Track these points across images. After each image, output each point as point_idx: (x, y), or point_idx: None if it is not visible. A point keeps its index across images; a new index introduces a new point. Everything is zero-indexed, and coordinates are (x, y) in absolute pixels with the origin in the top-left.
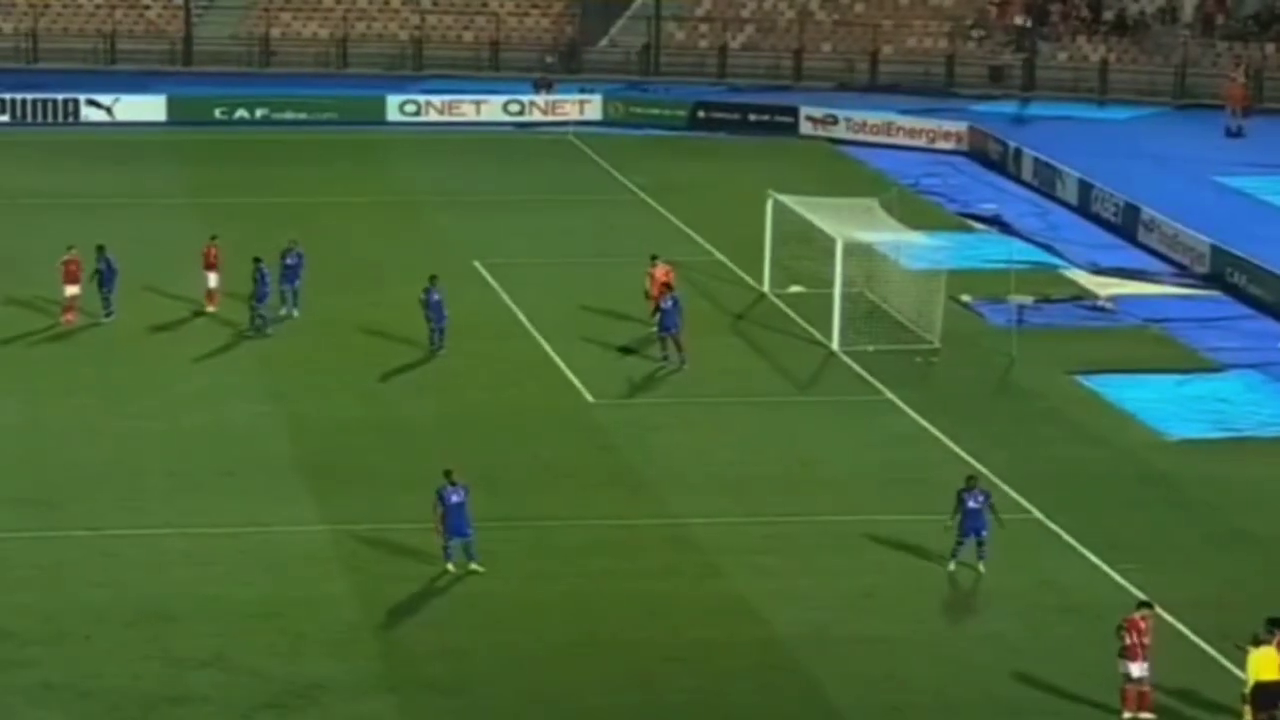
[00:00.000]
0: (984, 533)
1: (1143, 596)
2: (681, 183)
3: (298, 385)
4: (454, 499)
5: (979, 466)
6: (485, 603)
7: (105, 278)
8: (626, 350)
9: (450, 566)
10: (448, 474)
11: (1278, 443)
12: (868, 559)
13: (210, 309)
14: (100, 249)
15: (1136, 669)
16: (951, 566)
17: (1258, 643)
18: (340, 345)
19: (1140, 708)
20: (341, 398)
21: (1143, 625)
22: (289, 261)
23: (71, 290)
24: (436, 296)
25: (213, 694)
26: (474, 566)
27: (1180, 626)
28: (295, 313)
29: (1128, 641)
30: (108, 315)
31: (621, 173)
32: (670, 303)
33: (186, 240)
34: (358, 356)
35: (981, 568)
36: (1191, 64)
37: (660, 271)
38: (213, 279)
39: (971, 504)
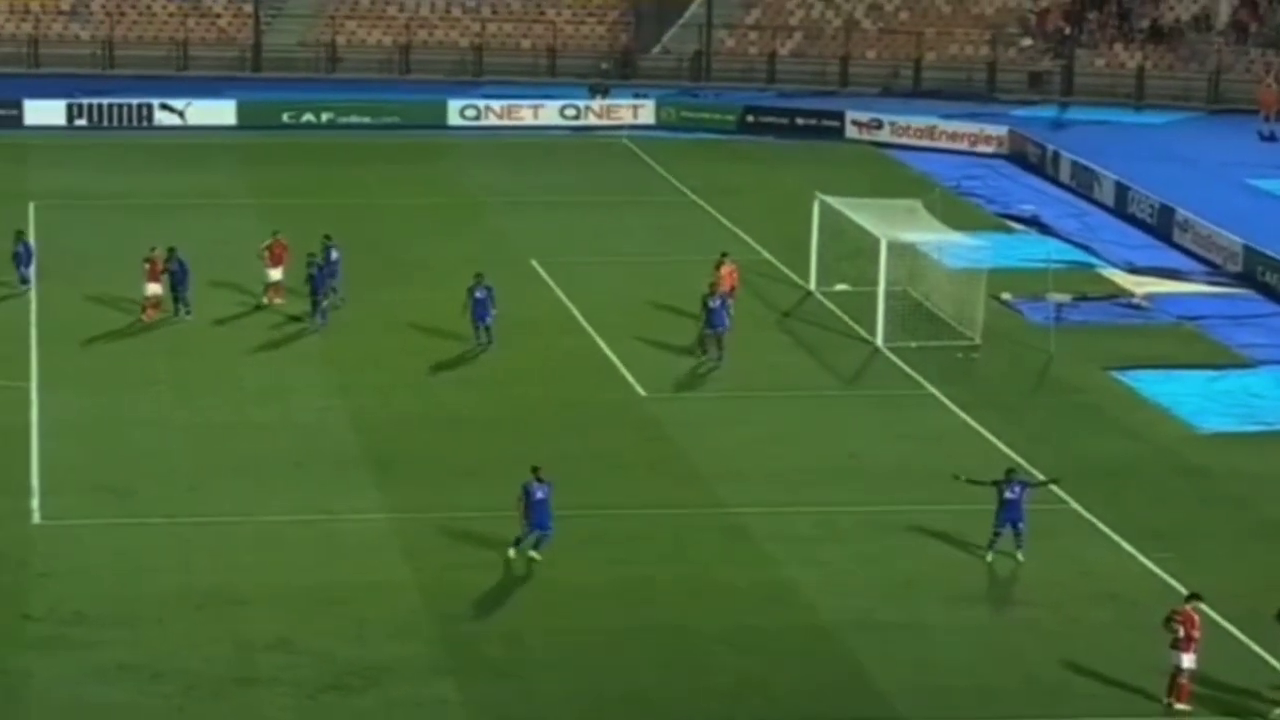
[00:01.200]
0: (1021, 524)
1: (1177, 584)
2: (731, 184)
3: (361, 380)
4: (538, 495)
5: (1018, 459)
6: (542, 588)
7: (177, 278)
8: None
9: (512, 553)
10: (535, 470)
11: None
12: (911, 547)
13: (278, 301)
14: (171, 250)
15: (1188, 660)
16: (990, 557)
17: None
18: (402, 341)
19: (1179, 698)
20: (404, 392)
21: (1195, 618)
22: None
23: (154, 288)
24: (480, 295)
25: (279, 675)
26: (532, 554)
27: (1213, 614)
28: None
29: (1180, 634)
30: (184, 314)
31: (673, 175)
32: (718, 302)
33: (254, 239)
34: (419, 352)
35: (1020, 556)
36: (1225, 70)
37: (726, 270)
38: (275, 274)
39: (1009, 495)
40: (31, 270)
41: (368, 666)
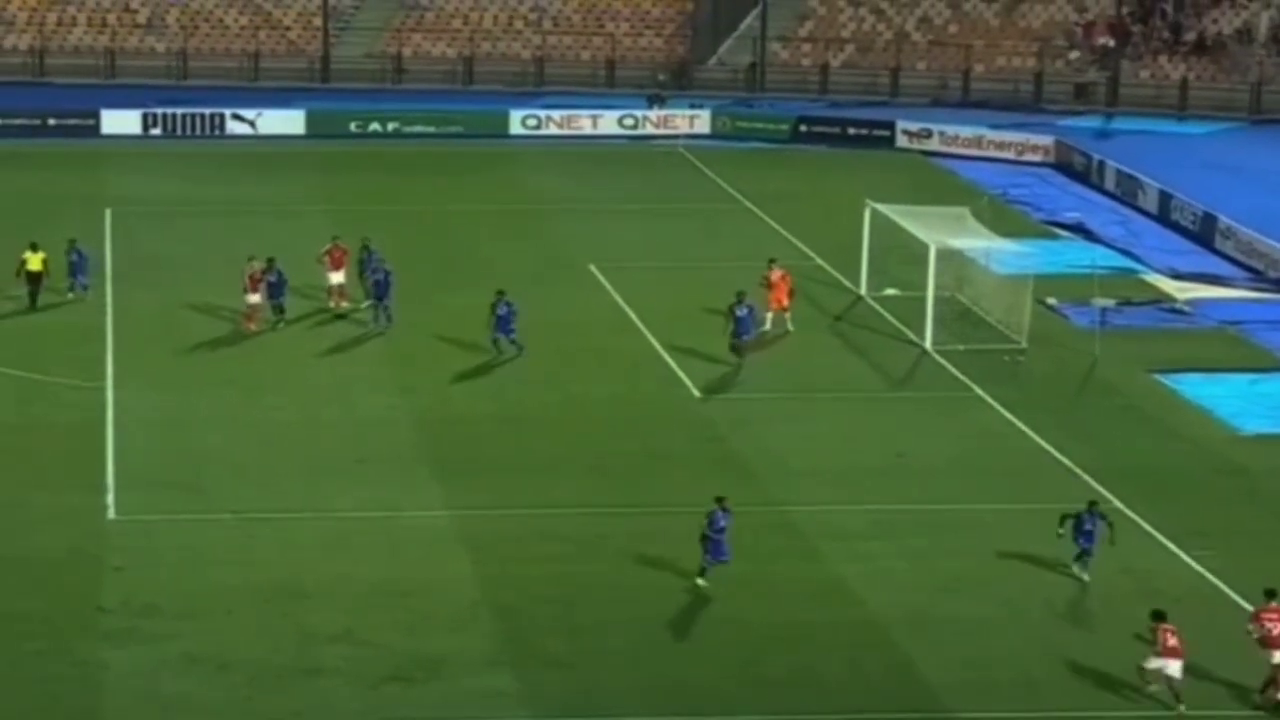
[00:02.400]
0: (1091, 547)
1: (1218, 582)
2: (784, 192)
3: (424, 379)
4: (721, 523)
5: (1063, 459)
6: (598, 583)
7: (275, 289)
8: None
9: (701, 582)
10: (720, 501)
11: None
12: (958, 545)
13: (343, 304)
14: (270, 261)
15: (1278, 656)
16: (1086, 577)
17: None
18: (464, 342)
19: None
20: (465, 391)
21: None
22: (500, 313)
23: (254, 299)
24: (502, 311)
25: (343, 666)
26: (701, 582)
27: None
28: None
29: (1274, 632)
30: (279, 324)
31: (728, 183)
32: (745, 310)
33: (323, 245)
34: (480, 353)
35: (1085, 576)
36: (1267, 82)
37: (776, 275)
38: (337, 277)
39: (1088, 526)
40: (87, 278)
41: (428, 658)
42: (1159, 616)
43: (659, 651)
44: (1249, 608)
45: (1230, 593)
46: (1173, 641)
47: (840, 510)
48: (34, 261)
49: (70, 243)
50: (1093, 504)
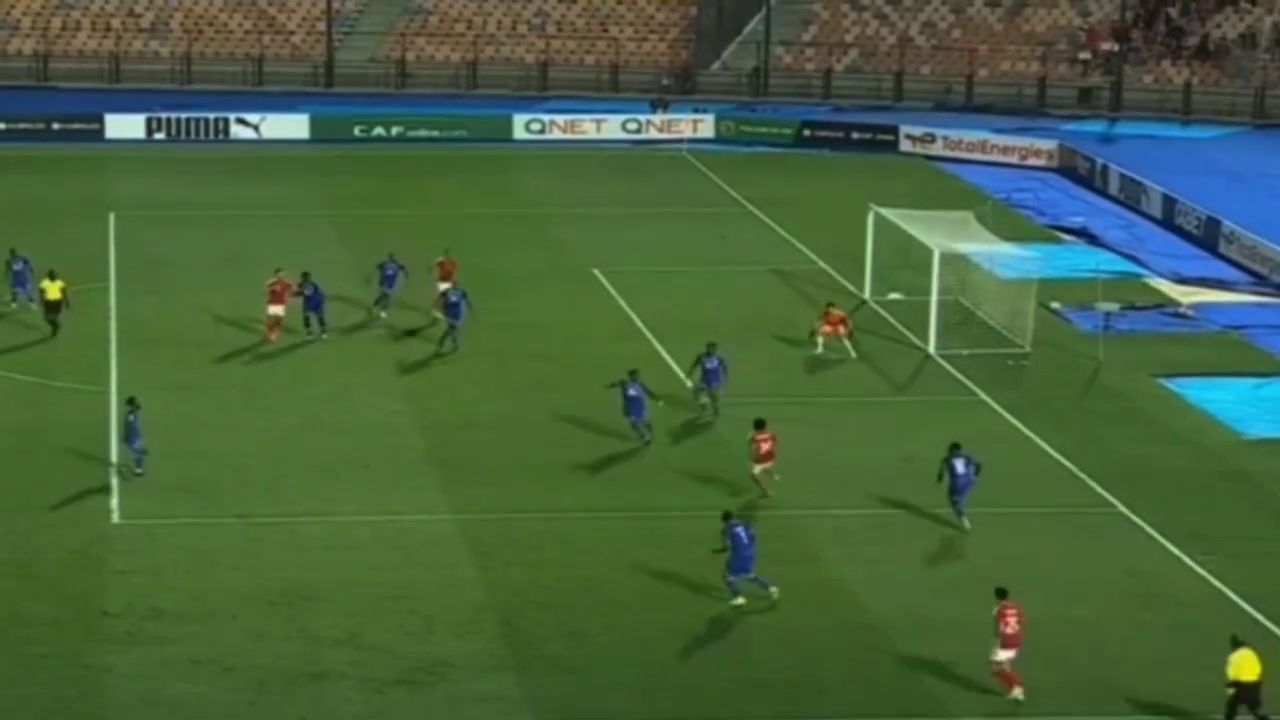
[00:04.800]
0: (965, 494)
1: (1221, 586)
2: (788, 197)
3: (428, 384)
4: (744, 538)
5: (1066, 463)
6: (602, 587)
7: (312, 303)
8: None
9: (740, 600)
10: (727, 516)
11: None
12: (960, 548)
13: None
14: (306, 275)
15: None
16: (966, 524)
17: (1236, 645)
18: (469, 347)
19: None
20: (469, 395)
21: None
22: (388, 272)
23: (275, 310)
24: (454, 299)
25: (348, 671)
26: (767, 592)
27: (1256, 614)
28: (384, 315)
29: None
30: (320, 335)
31: (732, 187)
32: (715, 363)
33: (326, 249)
34: (484, 357)
35: (966, 524)
36: (1270, 87)
37: (835, 316)
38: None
39: (960, 468)
40: (30, 289)
41: (434, 662)
42: (1001, 594)
43: (661, 655)
44: (1253, 612)
45: (1234, 596)
46: (1013, 627)
47: (842, 514)
48: (52, 290)
49: (11, 252)
50: (955, 445)
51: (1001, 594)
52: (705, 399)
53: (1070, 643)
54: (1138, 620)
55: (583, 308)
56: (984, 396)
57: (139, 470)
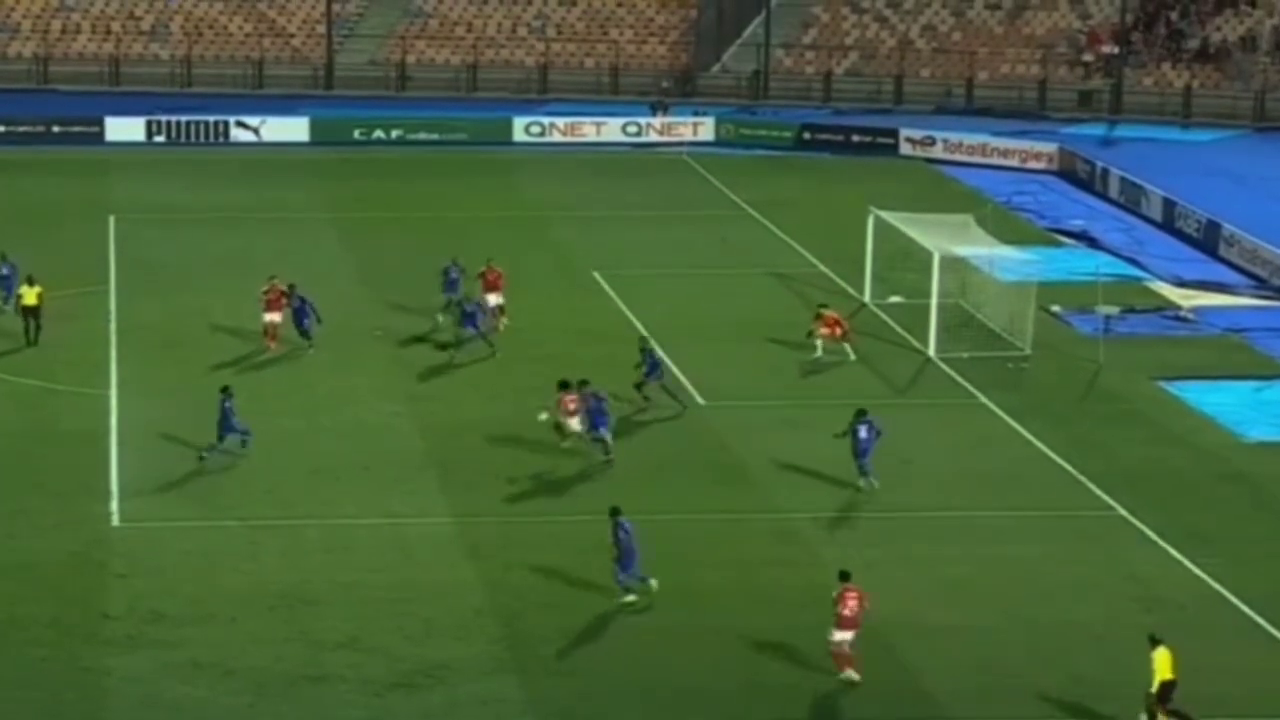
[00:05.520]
0: (868, 456)
1: (1221, 589)
2: (788, 200)
3: (428, 387)
4: (629, 534)
5: (1066, 466)
6: (602, 590)
7: (299, 314)
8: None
9: (631, 598)
10: (614, 513)
11: None
12: (961, 551)
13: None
14: (291, 287)
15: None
16: (863, 484)
17: (1156, 643)
18: (469, 350)
19: None
20: (469, 398)
21: None
22: (453, 276)
23: (270, 317)
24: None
25: (348, 673)
26: (647, 586)
27: (1257, 618)
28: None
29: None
30: (306, 348)
31: (732, 190)
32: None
33: (326, 251)
34: (484, 360)
35: (876, 483)
36: (1270, 89)
37: (829, 318)
38: (494, 298)
39: (863, 434)
40: (12, 294)
41: (433, 665)
42: (844, 577)
43: (661, 658)
44: (1253, 615)
45: (1234, 600)
46: (850, 608)
47: (843, 517)
48: (29, 296)
49: (1, 255)
50: (861, 411)
51: (844, 577)
52: (649, 394)
53: (1071, 645)
54: (1138, 623)
55: (582, 310)
56: (984, 399)
57: (245, 449)
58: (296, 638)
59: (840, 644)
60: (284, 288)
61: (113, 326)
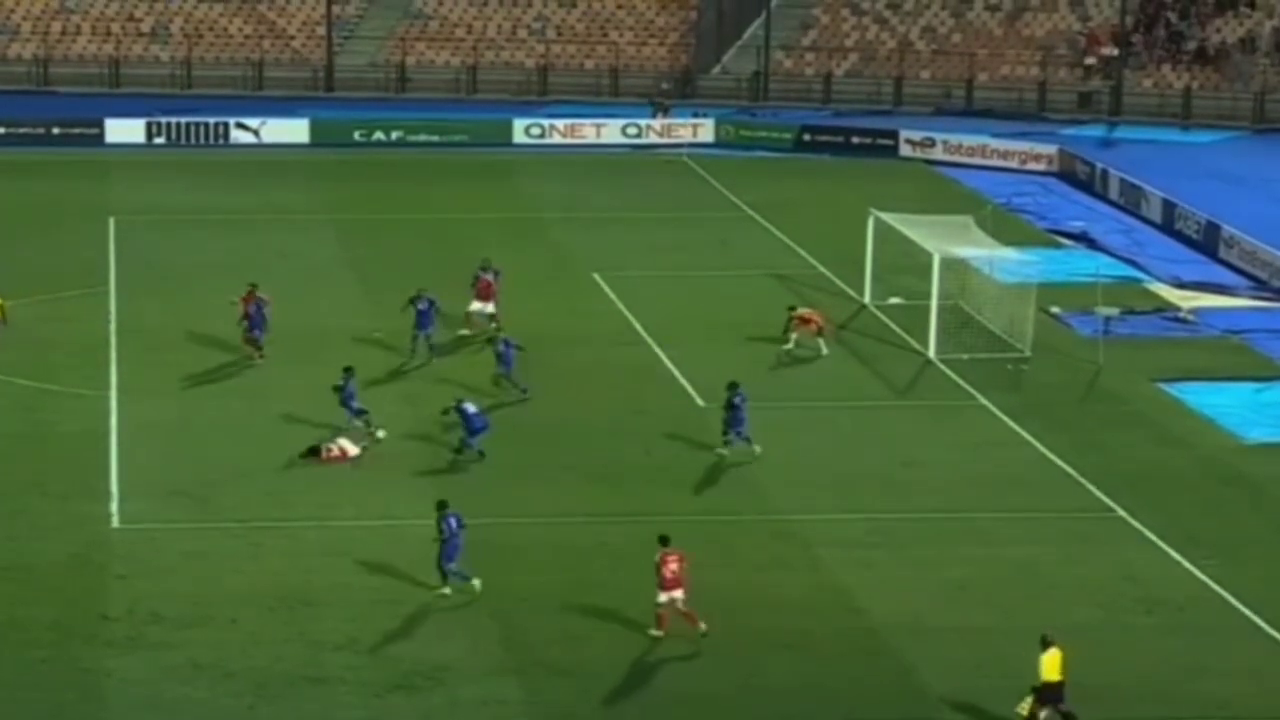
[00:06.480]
0: (744, 426)
1: (1221, 590)
2: (788, 201)
3: (427, 388)
4: (454, 526)
5: (1066, 468)
6: (601, 592)
7: (254, 320)
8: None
9: (447, 590)
10: (441, 505)
11: None
12: (961, 553)
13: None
14: (252, 288)
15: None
16: (724, 451)
17: (1046, 645)
18: (468, 351)
19: None
20: (469, 398)
21: None
22: (420, 308)
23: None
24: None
25: (348, 675)
26: (452, 588)
27: (1256, 619)
28: (430, 358)
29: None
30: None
31: (731, 192)
32: (504, 345)
33: (326, 253)
34: (484, 361)
35: (757, 449)
36: (1270, 91)
37: (804, 315)
38: (486, 307)
39: (737, 401)
40: None
41: (433, 667)
42: (664, 542)
43: (661, 660)
44: (1253, 616)
45: (1234, 601)
46: (671, 570)
47: (843, 519)
48: None
49: None
50: (733, 384)
51: (664, 541)
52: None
53: (1070, 647)
54: (1138, 625)
55: (583, 312)
56: (984, 401)
57: (370, 429)
58: (296, 639)
59: (664, 605)
60: (262, 295)
61: (113, 328)
